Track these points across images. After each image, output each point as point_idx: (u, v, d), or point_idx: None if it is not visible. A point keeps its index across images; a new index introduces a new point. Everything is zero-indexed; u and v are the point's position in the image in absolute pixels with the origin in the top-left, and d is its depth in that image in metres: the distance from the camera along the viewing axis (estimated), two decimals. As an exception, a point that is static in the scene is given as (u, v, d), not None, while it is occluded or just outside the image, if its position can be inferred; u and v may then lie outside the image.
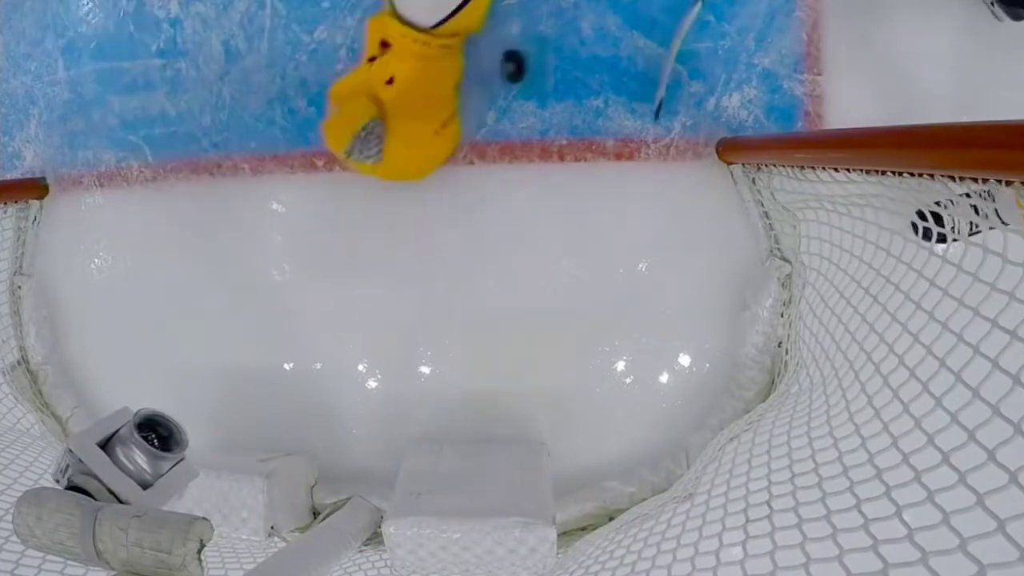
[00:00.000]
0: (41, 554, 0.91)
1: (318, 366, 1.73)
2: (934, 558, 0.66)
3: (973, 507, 0.65)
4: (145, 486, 0.88)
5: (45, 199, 1.82)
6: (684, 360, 1.61)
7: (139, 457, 0.88)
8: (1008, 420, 0.67)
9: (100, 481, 0.84)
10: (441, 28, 1.25)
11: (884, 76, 1.47)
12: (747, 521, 1.02)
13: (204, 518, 0.79)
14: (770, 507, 1.01)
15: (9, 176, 1.83)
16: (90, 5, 1.73)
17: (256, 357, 1.74)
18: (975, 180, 0.78)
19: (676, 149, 1.54)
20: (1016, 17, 1.41)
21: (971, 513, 0.65)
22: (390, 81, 1.32)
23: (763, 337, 1.52)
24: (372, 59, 1.33)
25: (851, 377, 1.09)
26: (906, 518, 0.75)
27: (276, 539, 1.46)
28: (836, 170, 1.11)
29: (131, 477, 0.87)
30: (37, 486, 0.92)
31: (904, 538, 0.71)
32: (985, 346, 0.77)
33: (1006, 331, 0.72)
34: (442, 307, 1.68)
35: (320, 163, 1.67)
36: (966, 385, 0.77)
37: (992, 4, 1.44)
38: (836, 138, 1.18)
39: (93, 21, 1.74)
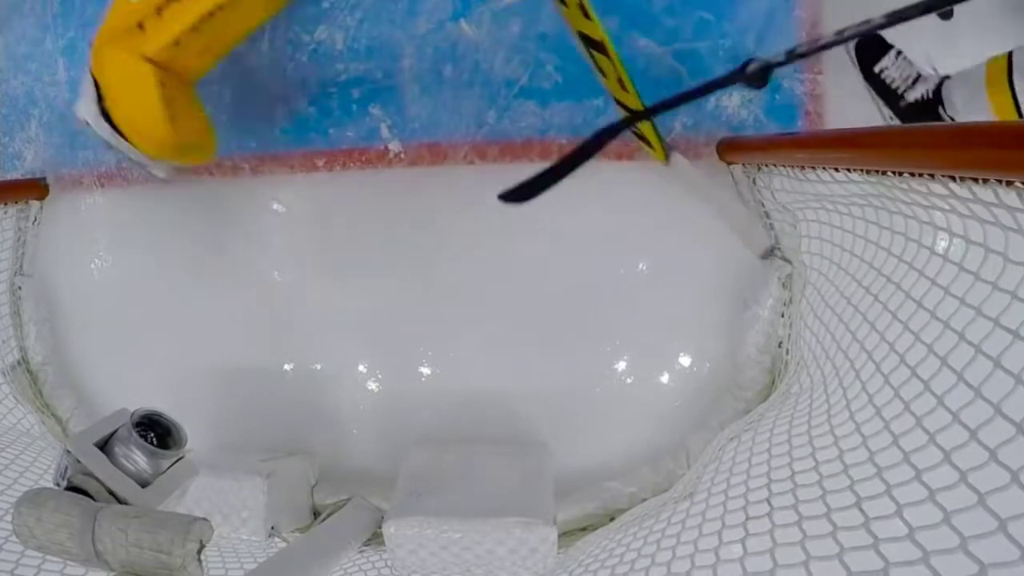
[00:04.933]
0: (41, 555, 0.91)
1: (318, 366, 1.73)
2: (935, 557, 0.66)
3: (975, 506, 0.65)
4: (144, 485, 0.88)
5: (45, 199, 1.82)
6: (685, 360, 1.61)
7: (138, 456, 0.89)
8: (1010, 419, 0.67)
9: (99, 481, 0.84)
10: None
11: (884, 75, 1.46)
12: (747, 519, 1.02)
13: (204, 518, 0.79)
14: (770, 504, 1.01)
15: (10, 176, 1.83)
16: (90, 5, 1.73)
17: (256, 357, 1.74)
18: (975, 180, 0.78)
19: (676, 149, 1.54)
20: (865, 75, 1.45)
21: (972, 512, 0.65)
22: None
23: (764, 337, 1.52)
24: None
25: (852, 376, 1.09)
26: (907, 517, 0.75)
27: (276, 539, 1.46)
28: (836, 170, 1.11)
29: (130, 476, 0.87)
30: (37, 486, 0.92)
31: (905, 537, 0.71)
32: (987, 346, 0.76)
33: (1008, 331, 0.72)
34: (443, 307, 1.68)
35: (320, 163, 1.67)
36: (968, 384, 0.77)
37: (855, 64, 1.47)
38: (835, 138, 1.18)
39: (93, 21, 1.73)
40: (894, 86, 1.41)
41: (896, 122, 1.45)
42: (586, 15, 1.22)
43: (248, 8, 1.29)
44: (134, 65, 1.25)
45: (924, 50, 1.39)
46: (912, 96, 1.39)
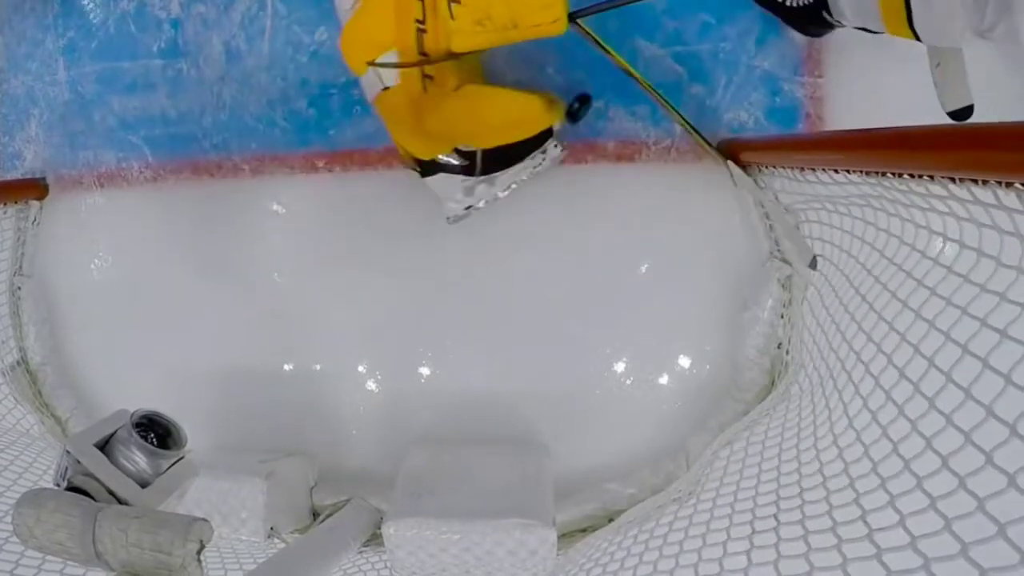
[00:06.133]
0: (41, 555, 0.91)
1: (318, 367, 1.73)
2: (936, 564, 0.66)
3: (974, 512, 0.65)
4: (144, 485, 0.88)
5: (45, 199, 1.82)
6: (684, 361, 1.61)
7: (138, 456, 0.89)
8: (1003, 421, 0.67)
9: (99, 481, 0.84)
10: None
11: (885, 78, 1.47)
12: (753, 532, 1.02)
13: (204, 519, 0.79)
14: (777, 520, 1.00)
15: (9, 176, 1.83)
16: (91, 5, 1.74)
17: (256, 358, 1.74)
18: (975, 182, 0.78)
19: (677, 151, 1.54)
20: (808, 34, 1.44)
21: (972, 519, 0.65)
22: None
23: (763, 339, 1.52)
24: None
25: (852, 378, 1.09)
26: (909, 526, 0.75)
27: (276, 540, 1.46)
28: (836, 171, 1.11)
29: (130, 477, 0.87)
30: (37, 487, 0.92)
31: (907, 546, 0.71)
32: (988, 350, 0.76)
33: (1018, 341, 0.72)
34: (443, 308, 1.68)
35: (321, 164, 1.67)
36: (967, 391, 0.77)
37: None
38: (835, 140, 1.18)
39: (94, 21, 1.74)
40: None
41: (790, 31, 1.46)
42: (604, 49, 1.30)
43: None
44: (458, 100, 1.25)
45: None
46: (794, 2, 1.38)
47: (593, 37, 1.27)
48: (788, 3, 1.38)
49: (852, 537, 0.83)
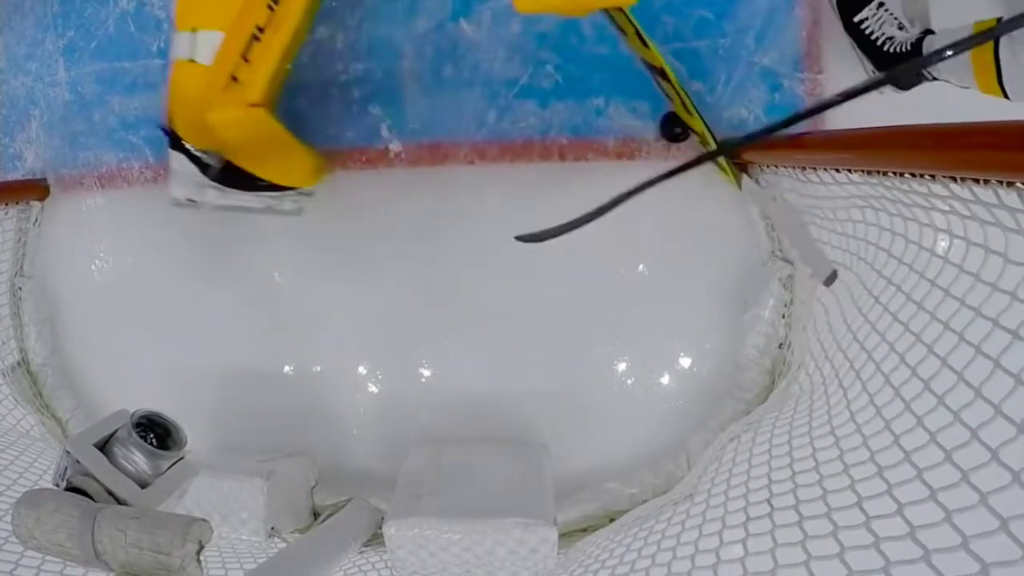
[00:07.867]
0: (40, 555, 0.91)
1: (318, 368, 1.73)
2: (936, 555, 0.66)
3: (976, 506, 0.65)
4: (144, 485, 0.88)
5: (46, 200, 1.82)
6: (685, 361, 1.61)
7: (137, 457, 0.89)
8: (1010, 419, 0.67)
9: (98, 482, 0.84)
10: None
11: (885, 75, 1.46)
12: (747, 519, 1.02)
13: (203, 519, 0.79)
14: (771, 505, 1.01)
15: (10, 177, 1.83)
16: (90, 5, 1.74)
17: (256, 359, 1.74)
18: (976, 181, 0.78)
19: (677, 148, 1.54)
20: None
21: (974, 512, 0.65)
22: None
23: (764, 338, 1.51)
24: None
25: (852, 376, 1.09)
26: (908, 516, 0.75)
27: (276, 540, 1.46)
28: (837, 171, 1.11)
29: (130, 477, 0.87)
30: (36, 487, 0.92)
31: (906, 535, 0.71)
32: (988, 346, 0.76)
33: (1008, 331, 0.72)
34: (443, 308, 1.67)
35: (320, 164, 1.67)
36: (968, 384, 0.77)
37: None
38: (835, 138, 1.17)
39: (93, 21, 1.74)
40: (873, 36, 1.41)
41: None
42: (644, 43, 1.27)
43: (303, 26, 1.30)
44: (248, 116, 1.25)
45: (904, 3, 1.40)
46: (891, 47, 1.39)
47: (636, 29, 1.25)
48: (887, 48, 1.39)
49: (849, 524, 0.83)
